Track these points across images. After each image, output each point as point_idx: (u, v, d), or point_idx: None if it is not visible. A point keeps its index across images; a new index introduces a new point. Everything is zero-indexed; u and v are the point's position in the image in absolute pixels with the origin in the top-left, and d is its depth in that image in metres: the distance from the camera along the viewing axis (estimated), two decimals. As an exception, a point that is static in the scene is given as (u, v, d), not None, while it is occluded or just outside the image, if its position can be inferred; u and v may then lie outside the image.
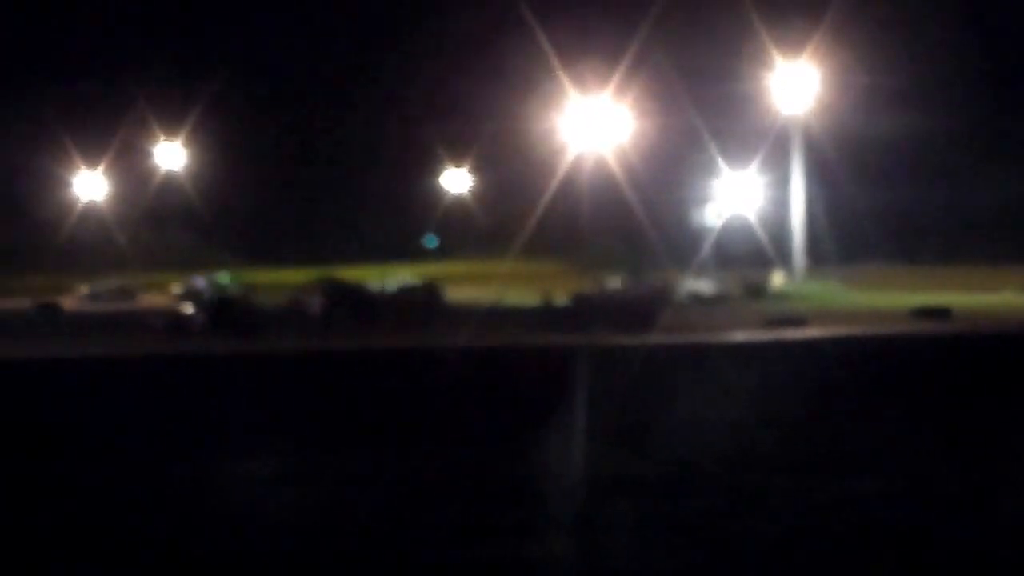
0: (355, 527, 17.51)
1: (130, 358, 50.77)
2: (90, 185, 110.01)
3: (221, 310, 69.63)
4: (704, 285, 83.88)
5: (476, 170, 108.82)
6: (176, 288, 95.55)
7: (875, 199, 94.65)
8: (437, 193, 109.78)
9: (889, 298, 78.07)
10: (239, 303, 74.14)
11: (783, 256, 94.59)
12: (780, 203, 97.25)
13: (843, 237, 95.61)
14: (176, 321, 69.46)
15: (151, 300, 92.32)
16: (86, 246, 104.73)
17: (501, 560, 15.70)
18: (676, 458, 22.35)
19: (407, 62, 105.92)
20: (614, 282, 76.77)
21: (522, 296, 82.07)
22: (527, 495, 19.44)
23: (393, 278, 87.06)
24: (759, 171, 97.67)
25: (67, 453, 24.59)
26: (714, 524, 17.27)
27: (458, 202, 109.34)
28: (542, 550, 16.08)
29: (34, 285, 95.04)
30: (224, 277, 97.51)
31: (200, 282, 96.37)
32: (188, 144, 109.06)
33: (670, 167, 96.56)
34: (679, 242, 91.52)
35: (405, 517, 18.04)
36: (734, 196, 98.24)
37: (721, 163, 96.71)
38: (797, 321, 64.23)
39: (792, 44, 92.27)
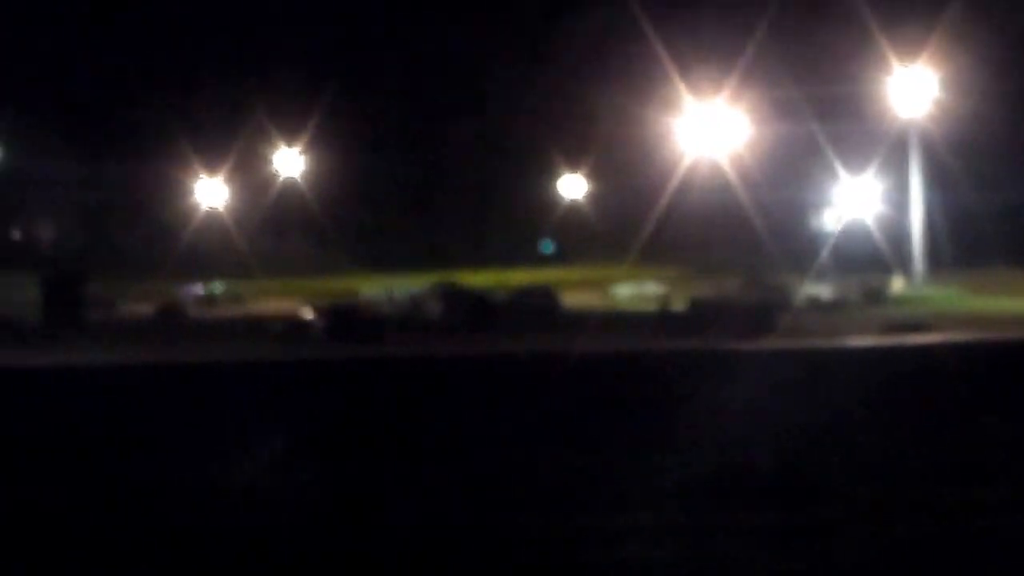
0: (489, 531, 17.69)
1: (253, 363, 51.27)
2: (210, 192, 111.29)
3: (340, 316, 70.12)
4: (823, 290, 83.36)
5: (593, 175, 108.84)
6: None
7: (995, 202, 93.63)
8: (554, 198, 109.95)
9: (1011, 303, 77.18)
10: (358, 309, 74.66)
11: (902, 260, 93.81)
12: (899, 207, 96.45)
13: (963, 241, 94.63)
14: (295, 327, 70.08)
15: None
16: (206, 252, 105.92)
17: (628, 564, 15.82)
18: (792, 465, 22.28)
19: (524, 68, 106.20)
20: (732, 288, 76.53)
21: (640, 301, 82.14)
22: (642, 500, 19.50)
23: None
24: (877, 175, 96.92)
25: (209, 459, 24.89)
26: (836, 532, 17.24)
27: (575, 207, 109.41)
28: (667, 556, 16.17)
29: (156, 290, 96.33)
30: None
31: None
32: (307, 151, 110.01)
33: (787, 171, 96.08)
34: (797, 247, 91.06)
35: (548, 522, 18.19)
36: (852, 200, 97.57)
37: (839, 167, 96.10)
38: (918, 326, 63.64)
39: (909, 47, 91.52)
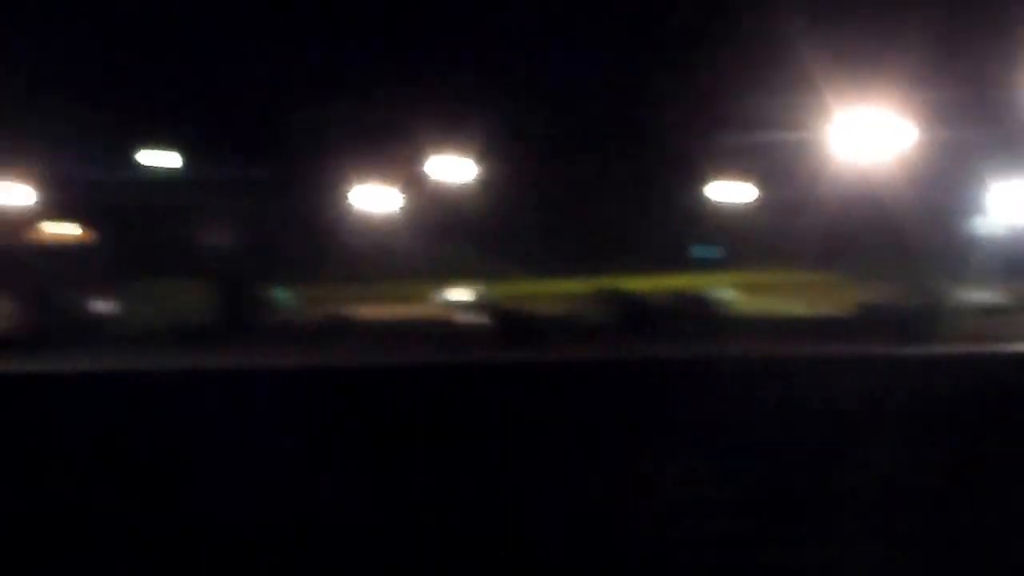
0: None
1: (420, 366, 51.97)
2: (376, 197, 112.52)
3: (503, 319, 70.93)
4: (984, 295, 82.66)
5: (754, 180, 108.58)
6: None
7: None
8: (716, 203, 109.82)
9: None
10: (521, 312, 75.32)
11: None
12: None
13: None
14: (452, 330, 71.07)
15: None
16: (371, 257, 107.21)
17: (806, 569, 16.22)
18: (959, 471, 22.40)
19: (684, 73, 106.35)
20: (895, 293, 76.24)
21: (802, 306, 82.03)
22: (811, 507, 19.73)
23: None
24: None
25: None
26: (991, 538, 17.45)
27: (737, 212, 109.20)
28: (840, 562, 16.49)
29: (320, 296, 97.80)
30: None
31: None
32: (471, 157, 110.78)
33: (948, 175, 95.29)
34: (959, 252, 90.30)
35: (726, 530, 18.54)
36: (1014, 204, 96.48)
37: (1000, 171, 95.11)
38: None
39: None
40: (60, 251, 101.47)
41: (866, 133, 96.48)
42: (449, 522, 18.91)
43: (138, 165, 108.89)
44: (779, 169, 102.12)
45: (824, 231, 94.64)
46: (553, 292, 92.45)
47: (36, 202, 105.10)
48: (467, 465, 24.30)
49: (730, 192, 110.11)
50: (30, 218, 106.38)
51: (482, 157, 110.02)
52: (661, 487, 21.71)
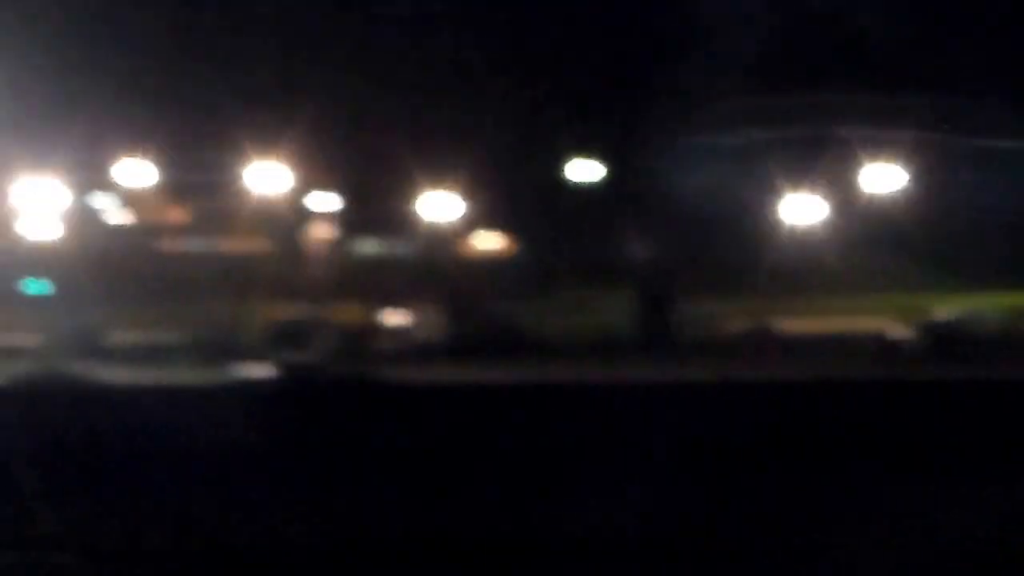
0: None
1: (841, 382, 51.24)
2: (801, 207, 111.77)
3: (936, 335, 69.53)
4: None
5: None
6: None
7: None
8: None
9: None
10: (955, 327, 73.62)
11: None
12: None
13: None
14: (885, 345, 70.03)
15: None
16: (796, 269, 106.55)
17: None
18: None
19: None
20: None
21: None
22: None
23: None
24: None
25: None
26: None
27: None
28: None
29: (744, 308, 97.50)
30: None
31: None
32: (899, 165, 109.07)
33: None
34: None
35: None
36: None
37: None
38: None
39: None
40: (485, 262, 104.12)
41: None
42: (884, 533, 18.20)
43: (563, 176, 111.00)
44: None
45: None
46: (991, 306, 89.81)
47: (465, 214, 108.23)
48: (904, 482, 23.63)
49: None
50: (459, 230, 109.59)
51: (913, 166, 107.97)
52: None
